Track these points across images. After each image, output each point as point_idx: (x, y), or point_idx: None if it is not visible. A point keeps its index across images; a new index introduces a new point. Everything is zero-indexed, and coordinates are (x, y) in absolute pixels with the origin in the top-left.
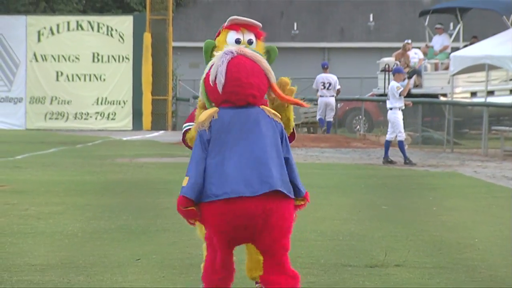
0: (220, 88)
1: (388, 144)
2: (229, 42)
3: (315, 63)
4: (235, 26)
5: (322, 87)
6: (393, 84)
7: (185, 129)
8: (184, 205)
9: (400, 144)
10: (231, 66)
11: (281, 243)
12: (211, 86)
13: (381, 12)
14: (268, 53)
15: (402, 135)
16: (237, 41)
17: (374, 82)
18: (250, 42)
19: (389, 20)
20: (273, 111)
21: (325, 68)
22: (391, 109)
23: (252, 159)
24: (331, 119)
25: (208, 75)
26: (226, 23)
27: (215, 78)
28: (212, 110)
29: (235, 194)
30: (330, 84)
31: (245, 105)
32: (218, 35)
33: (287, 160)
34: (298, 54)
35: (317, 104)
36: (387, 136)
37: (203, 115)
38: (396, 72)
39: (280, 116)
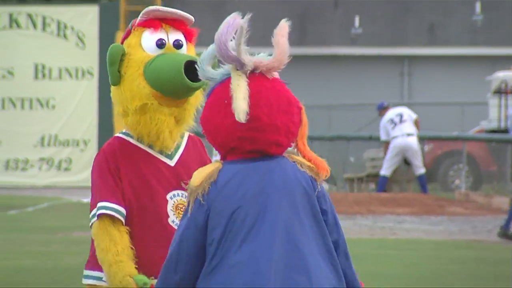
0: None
1: None
2: (146, 46)
3: (387, 80)
4: (154, 22)
5: (392, 125)
6: None
7: (100, 212)
8: None
9: None
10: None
11: None
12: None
13: (492, 1)
14: None
15: None
16: (160, 44)
17: (483, 110)
18: (177, 45)
19: (506, 12)
20: (308, 163)
21: (383, 109)
22: None
23: (290, 259)
24: (422, 170)
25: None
26: (139, 18)
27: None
28: (212, 167)
29: None
30: (401, 117)
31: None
32: (127, 36)
33: (337, 246)
34: (360, 66)
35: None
36: None
37: (198, 177)
38: None
39: (317, 170)
